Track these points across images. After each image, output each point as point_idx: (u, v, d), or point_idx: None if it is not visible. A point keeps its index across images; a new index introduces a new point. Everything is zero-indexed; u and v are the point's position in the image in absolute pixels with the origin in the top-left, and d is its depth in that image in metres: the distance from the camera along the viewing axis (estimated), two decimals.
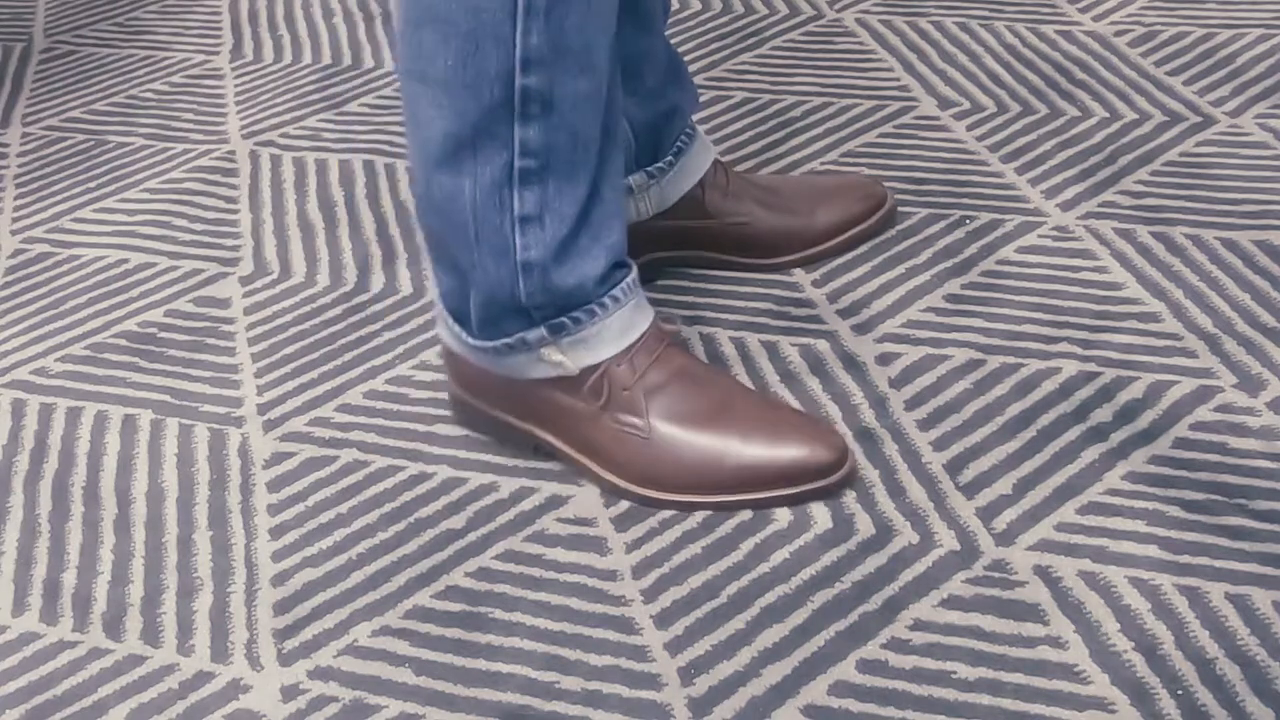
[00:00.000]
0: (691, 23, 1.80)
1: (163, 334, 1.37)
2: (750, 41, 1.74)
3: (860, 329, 1.28)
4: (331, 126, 1.67)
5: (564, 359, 1.09)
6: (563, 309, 1.08)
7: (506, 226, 1.04)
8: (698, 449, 1.09)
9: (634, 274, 1.11)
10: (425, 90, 1.01)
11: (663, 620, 1.03)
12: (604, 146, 1.05)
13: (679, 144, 1.29)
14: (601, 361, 1.10)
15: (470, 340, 1.12)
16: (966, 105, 1.58)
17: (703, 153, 1.31)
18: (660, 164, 1.28)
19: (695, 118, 1.42)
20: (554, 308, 1.08)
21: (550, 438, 1.14)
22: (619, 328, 1.10)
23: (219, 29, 1.94)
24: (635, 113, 1.24)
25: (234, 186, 1.58)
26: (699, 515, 1.11)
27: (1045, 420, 1.16)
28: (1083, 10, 1.74)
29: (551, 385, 1.11)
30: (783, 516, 1.10)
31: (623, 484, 1.11)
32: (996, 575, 1.04)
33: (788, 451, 1.09)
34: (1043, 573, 1.04)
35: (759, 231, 1.33)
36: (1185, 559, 1.04)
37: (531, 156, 1.01)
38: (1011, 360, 1.23)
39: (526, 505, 1.14)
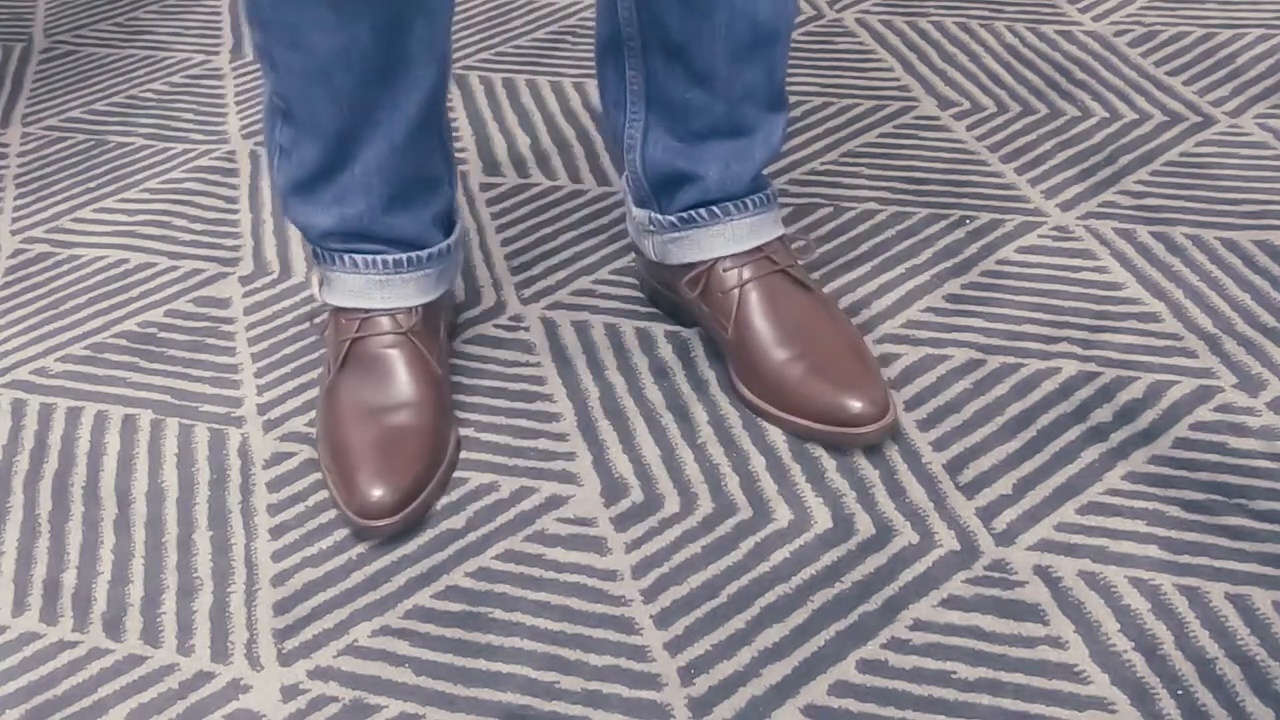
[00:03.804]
0: None
1: (163, 334, 1.37)
2: None
3: (860, 329, 1.27)
4: None
5: (316, 288, 1.21)
6: (314, 240, 1.19)
7: (273, 146, 1.16)
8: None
9: (396, 257, 1.17)
10: None
11: (663, 620, 1.03)
12: (358, 129, 1.11)
13: (694, 215, 1.21)
14: (339, 308, 1.18)
15: None
16: (966, 105, 1.58)
17: (724, 242, 1.20)
18: (661, 219, 1.22)
19: None
20: (310, 234, 1.18)
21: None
22: (351, 288, 1.18)
23: (219, 29, 1.94)
24: (653, 150, 1.19)
25: (234, 186, 1.58)
26: (699, 515, 1.11)
27: (1045, 420, 1.16)
28: (1083, 10, 1.74)
29: None
30: (783, 516, 1.10)
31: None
32: (996, 575, 1.04)
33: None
34: (1043, 573, 1.04)
35: (731, 352, 1.21)
36: (1185, 559, 1.04)
37: (278, 97, 1.11)
38: (1011, 360, 1.23)
39: (526, 505, 1.14)
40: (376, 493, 1.10)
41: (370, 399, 1.16)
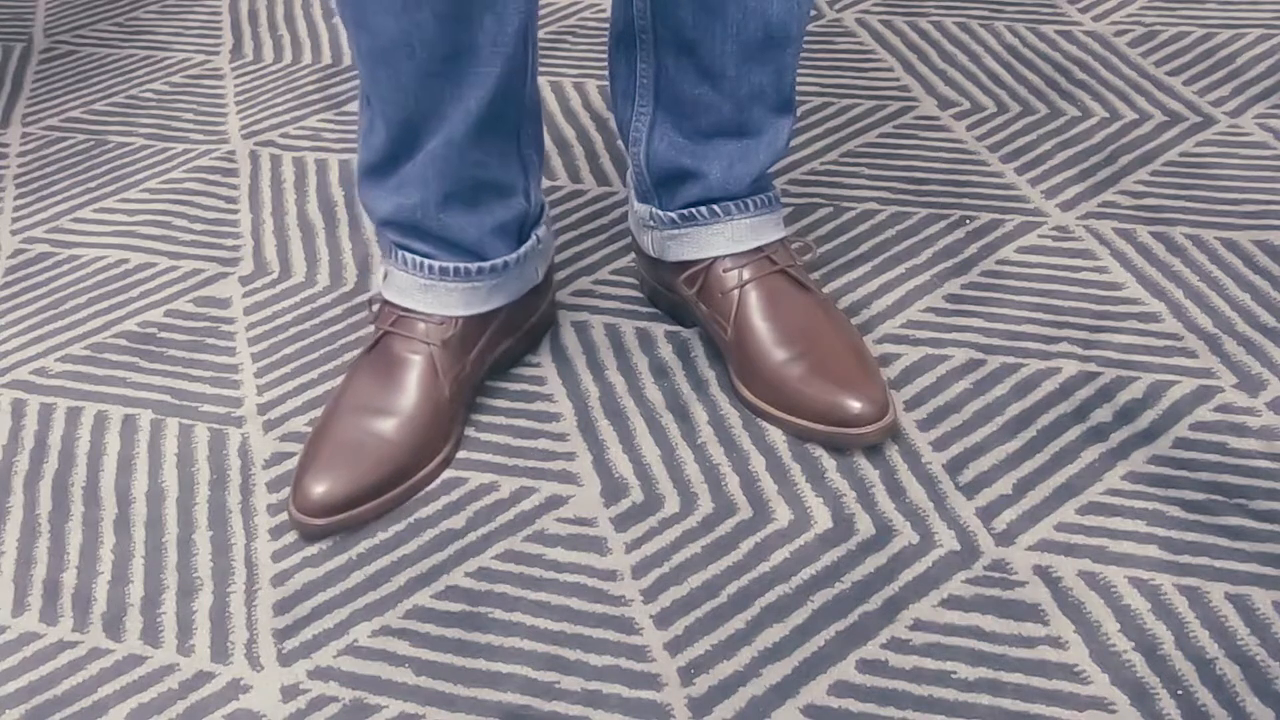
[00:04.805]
0: None
1: (163, 334, 1.37)
2: None
3: (860, 329, 1.28)
4: (331, 126, 1.67)
5: (380, 279, 1.21)
6: (376, 225, 1.19)
7: (360, 127, 1.16)
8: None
9: (440, 264, 1.17)
10: None
11: (663, 620, 1.04)
12: (422, 119, 1.10)
13: (695, 212, 1.21)
14: (387, 301, 1.19)
15: None
16: (966, 105, 1.58)
17: (724, 241, 1.21)
18: (662, 214, 1.22)
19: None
20: (373, 218, 1.18)
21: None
22: (399, 285, 1.19)
23: (219, 29, 1.94)
24: (658, 144, 1.20)
25: (234, 186, 1.58)
26: (699, 515, 1.11)
27: (1045, 420, 1.16)
28: (1083, 10, 1.74)
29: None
30: (783, 516, 1.10)
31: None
32: (996, 575, 1.04)
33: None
34: (1043, 573, 1.04)
35: (730, 352, 1.22)
36: (1185, 559, 1.04)
37: (361, 79, 1.11)
38: (1011, 360, 1.23)
39: (526, 505, 1.14)
40: (318, 490, 1.11)
41: (369, 396, 1.16)
